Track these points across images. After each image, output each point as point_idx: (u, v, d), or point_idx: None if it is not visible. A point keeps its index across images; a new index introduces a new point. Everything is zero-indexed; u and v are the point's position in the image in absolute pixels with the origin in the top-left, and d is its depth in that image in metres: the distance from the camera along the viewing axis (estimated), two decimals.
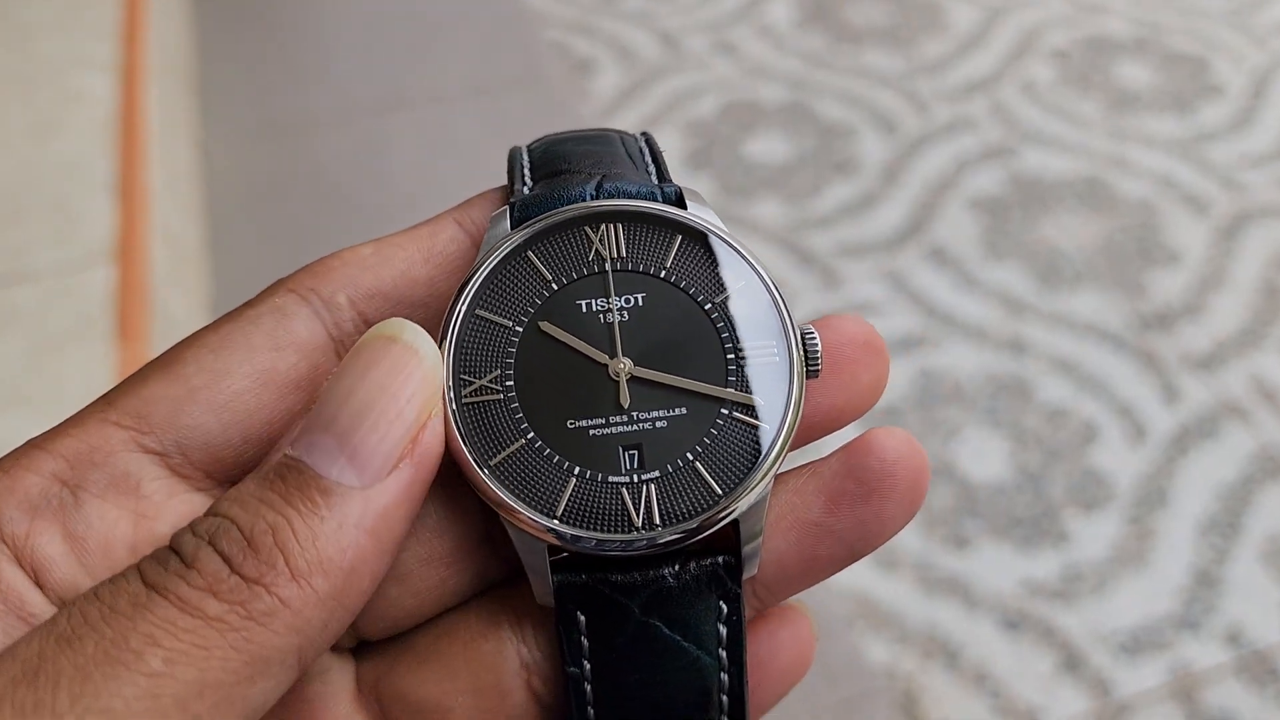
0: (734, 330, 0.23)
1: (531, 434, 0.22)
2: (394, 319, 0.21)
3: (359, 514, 0.20)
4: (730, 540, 0.22)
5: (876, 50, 1.50)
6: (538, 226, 0.24)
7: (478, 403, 0.22)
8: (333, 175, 1.30)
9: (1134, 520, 0.98)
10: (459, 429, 0.22)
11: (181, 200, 1.16)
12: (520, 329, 0.23)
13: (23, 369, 0.79)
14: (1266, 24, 1.50)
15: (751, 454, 0.22)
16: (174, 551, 0.19)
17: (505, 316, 0.23)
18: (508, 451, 0.22)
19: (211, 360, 0.23)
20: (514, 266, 0.23)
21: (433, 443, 0.21)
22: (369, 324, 0.24)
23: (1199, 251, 1.21)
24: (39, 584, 0.21)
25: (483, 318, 0.23)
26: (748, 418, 0.23)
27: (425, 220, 0.25)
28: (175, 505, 0.22)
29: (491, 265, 0.23)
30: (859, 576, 0.95)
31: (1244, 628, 0.91)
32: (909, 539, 0.97)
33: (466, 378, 0.22)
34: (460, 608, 0.24)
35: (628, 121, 1.40)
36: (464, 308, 0.23)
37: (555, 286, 0.23)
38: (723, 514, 0.22)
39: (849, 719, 0.86)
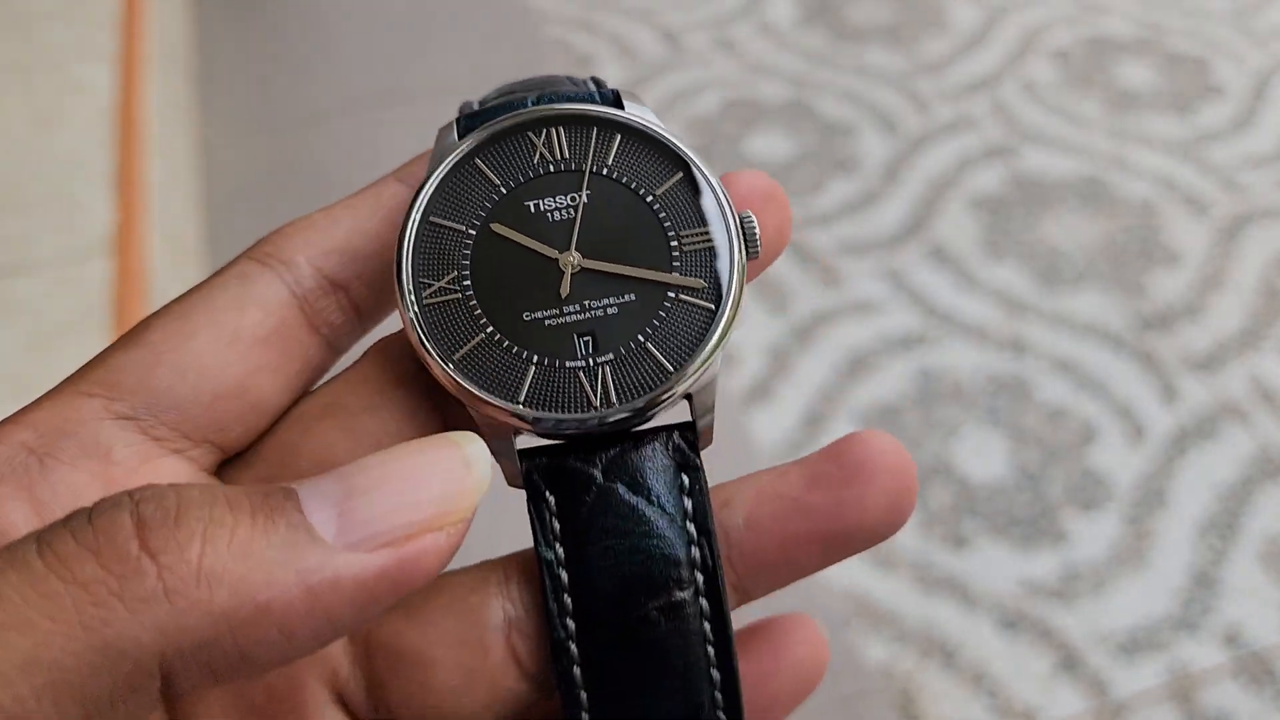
0: (675, 219, 0.24)
1: (490, 328, 0.23)
2: (474, 435, 0.20)
3: (310, 563, 0.17)
4: (690, 413, 0.24)
5: (877, 49, 1.50)
6: (483, 135, 0.25)
7: (437, 303, 0.24)
8: (333, 169, 1.30)
9: (1133, 520, 0.98)
10: (421, 329, 0.23)
11: (181, 193, 1.16)
12: (473, 232, 0.24)
13: (22, 360, 0.79)
14: (1268, 26, 1.50)
15: (699, 332, 0.24)
16: (89, 509, 0.17)
17: (458, 221, 0.24)
18: (469, 346, 0.23)
19: (176, 325, 0.23)
20: (463, 174, 0.25)
21: (430, 554, 0.19)
22: (328, 279, 0.25)
23: (1199, 252, 1.21)
24: None
25: (436, 224, 0.24)
26: (693, 299, 0.24)
27: (369, 184, 0.26)
28: (147, 471, 0.22)
29: (442, 175, 0.25)
30: (856, 575, 0.95)
31: (1242, 629, 0.91)
32: (907, 538, 0.97)
33: (425, 280, 0.24)
34: (453, 571, 0.24)
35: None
36: (418, 216, 0.24)
37: (504, 190, 0.25)
38: (675, 387, 0.23)
39: (846, 718, 0.86)
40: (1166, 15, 1.53)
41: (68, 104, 1.03)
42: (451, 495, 0.19)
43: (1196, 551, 0.96)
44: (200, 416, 0.23)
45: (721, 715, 0.23)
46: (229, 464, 0.24)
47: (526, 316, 0.23)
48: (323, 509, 0.18)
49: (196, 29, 1.49)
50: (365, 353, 0.25)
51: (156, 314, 0.24)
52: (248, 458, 0.24)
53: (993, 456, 1.03)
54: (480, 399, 0.23)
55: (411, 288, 0.24)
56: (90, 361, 0.23)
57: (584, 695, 0.23)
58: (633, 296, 0.24)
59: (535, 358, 0.23)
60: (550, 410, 0.23)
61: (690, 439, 0.24)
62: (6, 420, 0.22)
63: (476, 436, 0.21)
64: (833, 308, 1.17)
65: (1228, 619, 0.92)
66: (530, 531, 0.23)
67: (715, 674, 0.23)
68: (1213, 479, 1.01)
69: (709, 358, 0.23)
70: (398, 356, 0.25)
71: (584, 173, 0.25)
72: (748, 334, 1.14)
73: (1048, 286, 1.18)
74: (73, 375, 0.23)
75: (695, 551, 0.23)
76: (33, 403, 0.22)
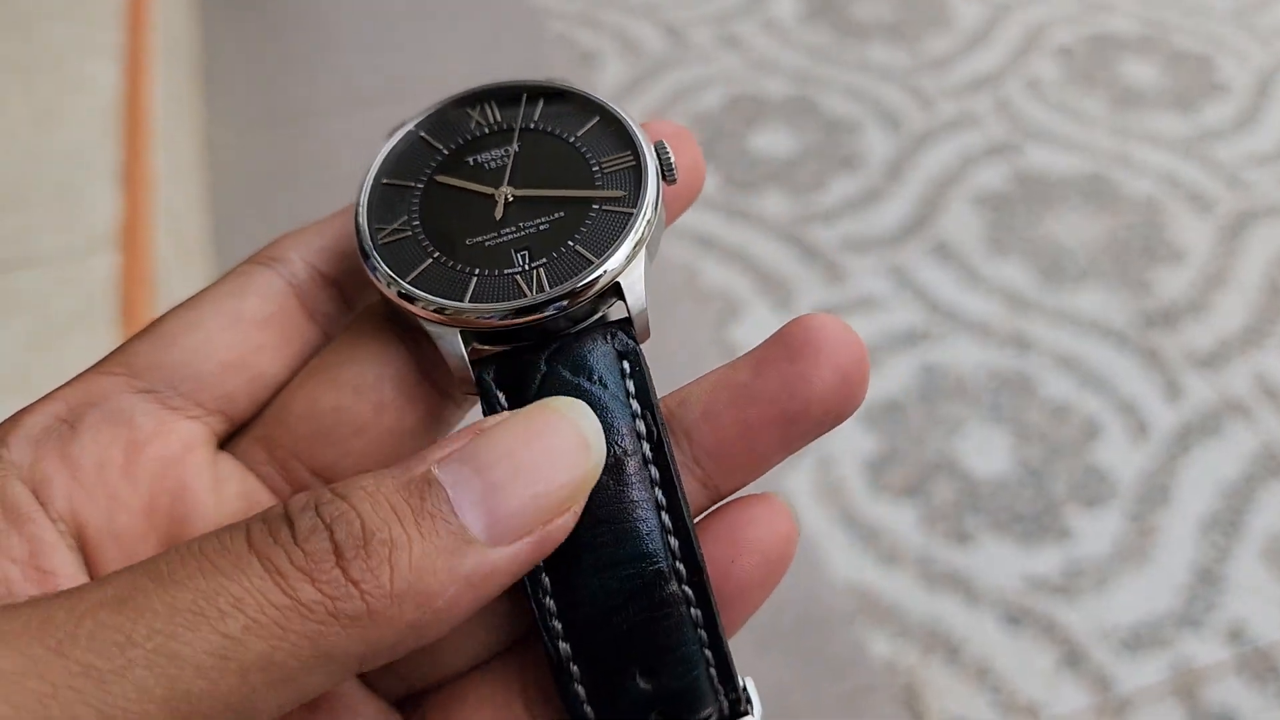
0: (596, 150, 0.27)
1: (437, 254, 0.26)
2: (581, 403, 0.23)
3: (471, 566, 0.20)
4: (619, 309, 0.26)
5: (881, 46, 1.50)
6: (427, 114, 0.29)
7: (392, 241, 0.27)
8: (337, 165, 1.30)
9: (1136, 517, 0.98)
10: (380, 263, 0.26)
11: (185, 188, 1.16)
12: (420, 185, 0.28)
13: (26, 355, 0.79)
14: (1272, 24, 1.50)
15: (620, 230, 0.26)
16: (288, 521, 0.20)
17: (407, 180, 0.28)
18: (419, 270, 0.26)
19: (184, 315, 0.26)
20: (410, 144, 0.28)
21: (559, 531, 0.22)
22: (320, 273, 0.27)
23: (1203, 249, 1.21)
24: (40, 501, 0.23)
25: (388, 183, 0.28)
26: (616, 207, 0.26)
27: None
28: (164, 432, 0.25)
29: (390, 146, 0.28)
30: (860, 571, 0.95)
31: (1245, 625, 0.91)
32: (910, 534, 0.97)
33: (380, 226, 0.27)
34: None
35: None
36: (371, 180, 0.28)
37: (445, 152, 0.28)
38: (599, 271, 0.25)
39: (850, 713, 0.86)
40: (1170, 13, 1.53)
41: (72, 100, 1.03)
42: (576, 480, 0.22)
43: (1200, 548, 0.96)
44: (211, 386, 0.25)
45: (685, 586, 0.24)
46: (238, 430, 0.27)
47: (468, 242, 0.26)
48: (471, 507, 0.20)
49: (200, 26, 1.49)
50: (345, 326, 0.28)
51: (168, 312, 0.26)
52: (252, 422, 0.26)
53: (996, 453, 1.03)
54: (429, 302, 0.25)
55: (369, 232, 0.27)
56: (111, 352, 0.26)
57: (545, 577, 0.24)
58: (562, 213, 0.26)
59: (478, 270, 0.26)
60: (493, 305, 0.25)
61: (629, 331, 0.25)
62: (41, 398, 0.25)
63: (583, 405, 0.23)
64: (836, 304, 1.17)
65: (1231, 615, 0.92)
66: None
67: (673, 540, 0.24)
68: (1216, 476, 1.01)
69: (626, 244, 0.25)
70: (367, 316, 0.27)
71: (514, 129, 0.28)
72: (751, 331, 1.14)
73: (1051, 283, 1.18)
74: (95, 363, 0.25)
75: (640, 424, 0.25)
76: (62, 384, 0.25)
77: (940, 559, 0.96)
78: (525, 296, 0.25)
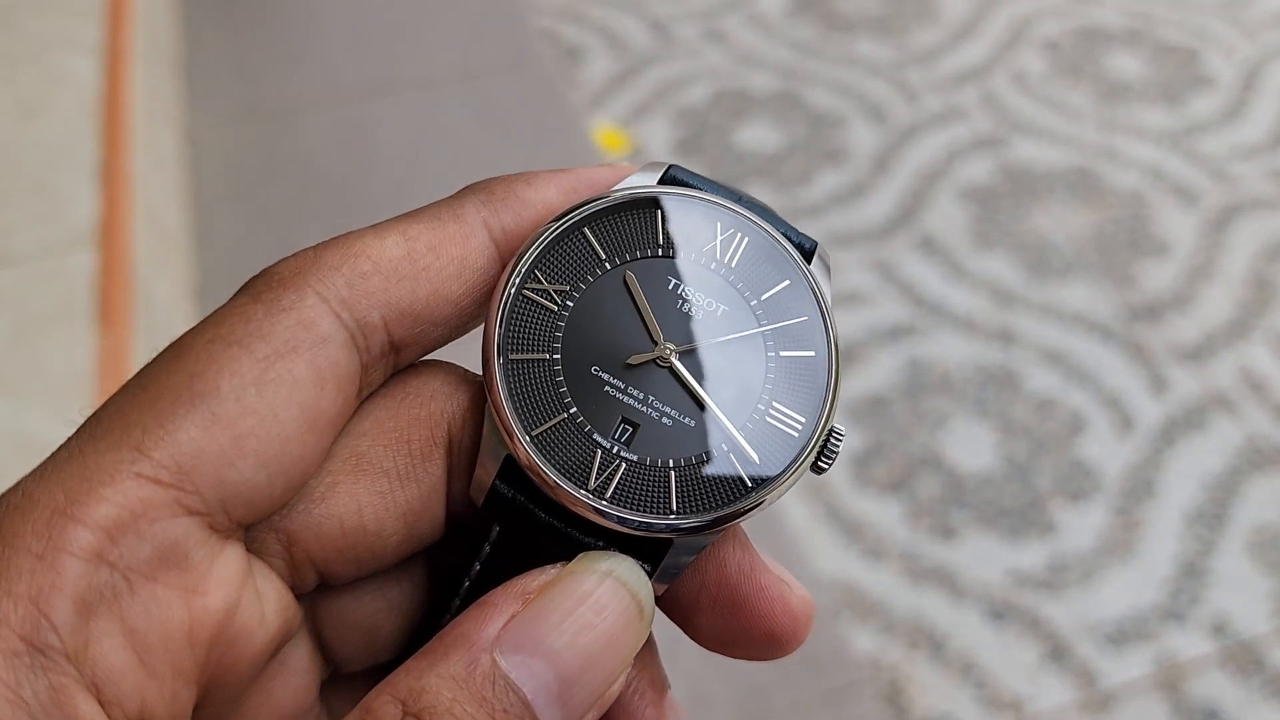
0: (779, 388, 0.23)
1: (560, 352, 0.23)
2: (628, 560, 0.22)
3: None
4: (658, 553, 0.22)
5: (867, 40, 1.50)
6: (678, 192, 0.24)
7: (533, 302, 0.23)
8: (319, 160, 1.29)
9: (1121, 511, 0.98)
10: (500, 320, 0.23)
11: (165, 184, 1.16)
12: (610, 266, 0.24)
13: (5, 352, 0.79)
14: (1257, 16, 1.50)
15: (721, 496, 0.22)
16: None
17: (604, 246, 0.24)
18: (527, 357, 0.23)
19: (255, 399, 0.21)
20: (639, 211, 0.24)
21: (616, 693, 0.22)
22: (394, 346, 0.23)
23: (1188, 243, 1.21)
24: (101, 702, 0.19)
25: (587, 231, 0.24)
26: (738, 464, 0.23)
27: (451, 212, 0.24)
28: (219, 570, 0.21)
29: (617, 200, 0.24)
30: (845, 566, 0.95)
31: (1229, 618, 0.91)
32: (896, 529, 0.97)
33: (538, 274, 0.23)
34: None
35: (618, 108, 1.39)
36: (570, 223, 0.24)
37: (661, 251, 0.24)
38: (665, 529, 0.22)
39: (834, 709, 0.86)
40: (1156, 6, 1.53)
41: (52, 95, 1.02)
42: (635, 648, 0.22)
43: (1184, 542, 0.96)
44: (264, 506, 0.21)
45: None
46: None
47: (594, 369, 0.23)
48: (548, 703, 0.20)
49: (182, 21, 1.48)
50: (394, 391, 0.24)
51: (219, 366, 0.21)
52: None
53: (981, 447, 1.03)
54: (503, 409, 0.22)
55: (521, 276, 0.23)
56: (144, 423, 0.20)
57: None
58: (693, 422, 0.23)
59: (574, 407, 0.23)
60: (550, 464, 0.22)
61: (648, 574, 0.22)
62: (59, 514, 0.19)
63: (629, 561, 0.22)
64: None
65: (1215, 609, 0.92)
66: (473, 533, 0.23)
67: None
68: (1201, 469, 1.01)
69: (709, 529, 0.22)
70: (437, 417, 0.23)
71: (733, 289, 0.24)
72: None
73: (1036, 277, 1.18)
74: (122, 439, 0.20)
75: None
76: (79, 482, 0.20)
77: (925, 554, 0.95)
78: (581, 487, 0.22)
